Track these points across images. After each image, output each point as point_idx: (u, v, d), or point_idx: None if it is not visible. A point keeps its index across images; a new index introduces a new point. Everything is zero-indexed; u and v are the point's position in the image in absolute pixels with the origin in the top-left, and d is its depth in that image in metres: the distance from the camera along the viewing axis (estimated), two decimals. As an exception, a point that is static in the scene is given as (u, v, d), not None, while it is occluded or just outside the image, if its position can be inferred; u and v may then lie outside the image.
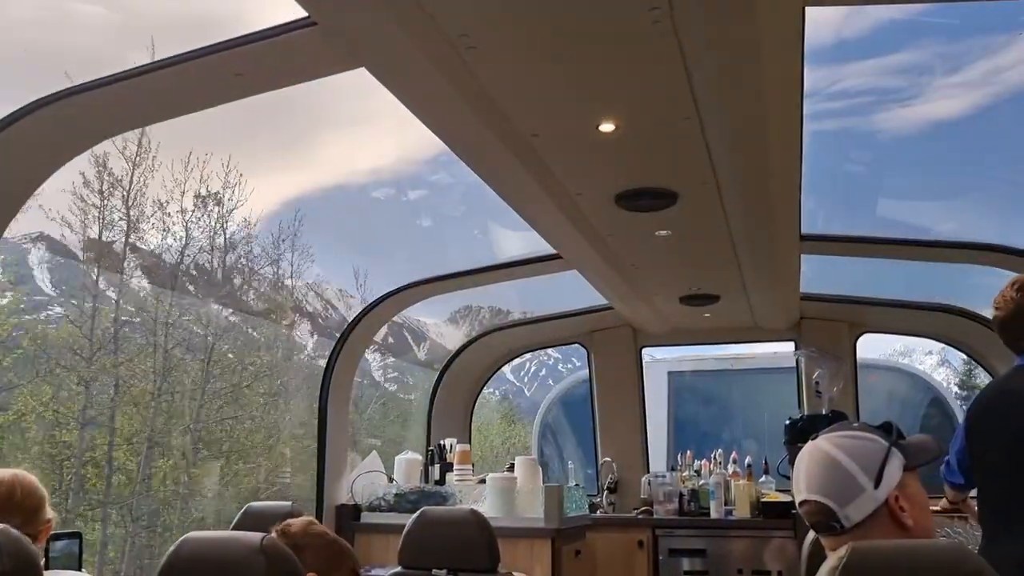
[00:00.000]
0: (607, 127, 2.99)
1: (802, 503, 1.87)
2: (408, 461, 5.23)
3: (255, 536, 2.14)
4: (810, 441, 1.89)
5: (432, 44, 2.42)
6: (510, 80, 2.69)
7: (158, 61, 2.78)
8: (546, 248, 4.58)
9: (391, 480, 5.13)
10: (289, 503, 3.46)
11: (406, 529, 3.38)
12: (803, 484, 1.86)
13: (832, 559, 1.66)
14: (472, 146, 3.17)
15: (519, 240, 5.26)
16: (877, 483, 1.77)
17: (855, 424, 1.90)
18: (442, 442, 5.34)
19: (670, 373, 8.13)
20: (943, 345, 6.69)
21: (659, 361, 8.12)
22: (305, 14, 2.43)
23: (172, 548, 2.17)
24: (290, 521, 2.28)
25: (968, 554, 1.64)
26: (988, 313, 5.63)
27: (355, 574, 2.30)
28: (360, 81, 2.69)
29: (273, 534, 2.15)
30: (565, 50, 2.53)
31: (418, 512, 3.46)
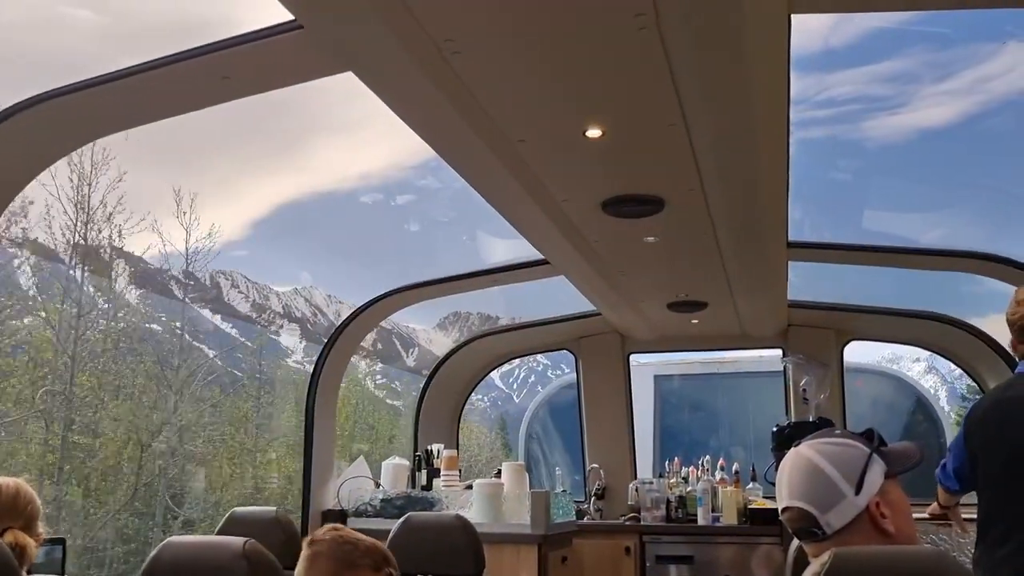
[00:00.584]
0: (594, 133, 2.98)
1: (784, 509, 1.88)
2: (395, 466, 5.22)
3: (237, 540, 2.13)
4: (793, 448, 1.90)
5: (418, 48, 2.42)
6: (496, 85, 2.69)
7: (145, 63, 2.77)
8: (534, 254, 4.58)
9: (378, 485, 5.12)
10: (274, 509, 3.45)
11: (391, 534, 3.36)
12: (785, 491, 1.87)
13: (815, 565, 1.66)
14: (459, 151, 3.17)
15: (507, 246, 5.26)
16: (858, 490, 1.78)
17: (837, 431, 1.92)
18: (429, 447, 5.34)
19: (656, 377, 8.14)
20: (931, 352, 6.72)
21: (645, 365, 8.11)
22: (292, 17, 2.42)
23: (153, 553, 2.16)
24: (316, 531, 2.29)
25: (949, 560, 1.64)
26: (976, 321, 5.65)
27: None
28: (352, 86, 2.69)
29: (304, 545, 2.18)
30: (551, 55, 2.53)
31: (403, 517, 3.45)
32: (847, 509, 1.78)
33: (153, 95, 2.92)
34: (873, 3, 2.63)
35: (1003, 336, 3.19)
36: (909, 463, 1.88)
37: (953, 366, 6.46)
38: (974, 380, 6.12)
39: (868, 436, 1.88)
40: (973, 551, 3.03)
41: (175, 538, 2.20)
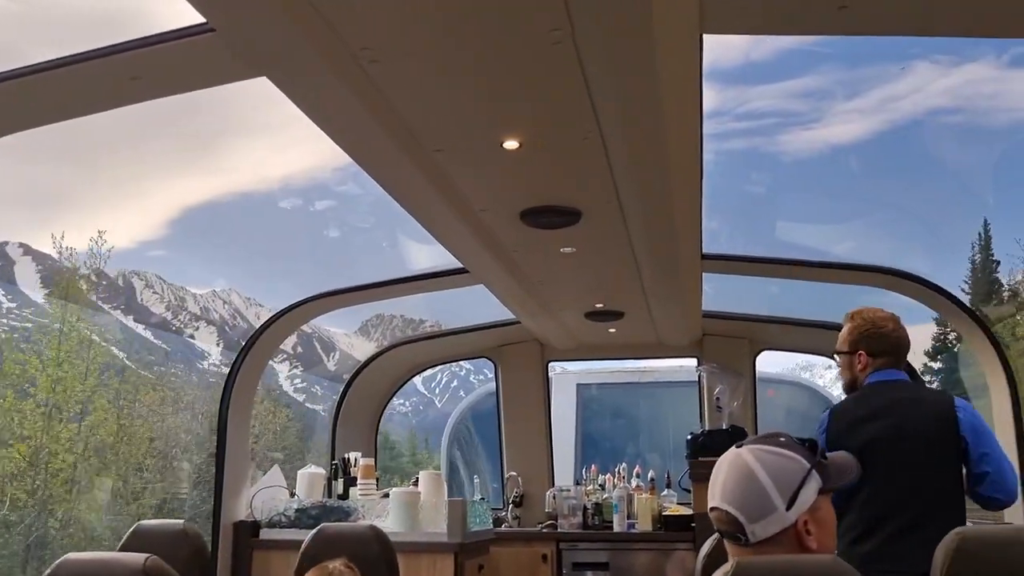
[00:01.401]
0: (511, 144, 3.00)
1: (713, 509, 1.86)
2: (311, 475, 5.13)
3: (138, 557, 2.07)
4: (734, 448, 1.87)
5: (334, 56, 2.40)
6: (413, 95, 2.68)
7: (50, 60, 2.67)
8: (455, 261, 4.58)
9: (293, 495, 5.03)
10: (181, 521, 3.35)
11: (303, 546, 3.31)
12: (718, 491, 1.84)
13: (718, 573, 1.70)
14: (376, 159, 3.14)
15: (430, 251, 5.25)
16: (789, 505, 1.77)
17: (782, 438, 1.87)
18: (346, 456, 5.27)
19: (579, 385, 8.21)
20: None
21: (568, 374, 8.20)
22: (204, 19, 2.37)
23: (48, 571, 2.08)
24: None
25: (845, 568, 1.70)
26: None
27: None
28: (272, 88, 2.63)
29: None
30: (468, 67, 2.53)
31: (316, 528, 3.40)
32: (775, 522, 1.77)
33: (59, 94, 2.82)
34: (782, 28, 2.71)
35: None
36: (846, 479, 1.89)
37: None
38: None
39: (811, 448, 1.85)
40: None
41: (73, 555, 2.12)
